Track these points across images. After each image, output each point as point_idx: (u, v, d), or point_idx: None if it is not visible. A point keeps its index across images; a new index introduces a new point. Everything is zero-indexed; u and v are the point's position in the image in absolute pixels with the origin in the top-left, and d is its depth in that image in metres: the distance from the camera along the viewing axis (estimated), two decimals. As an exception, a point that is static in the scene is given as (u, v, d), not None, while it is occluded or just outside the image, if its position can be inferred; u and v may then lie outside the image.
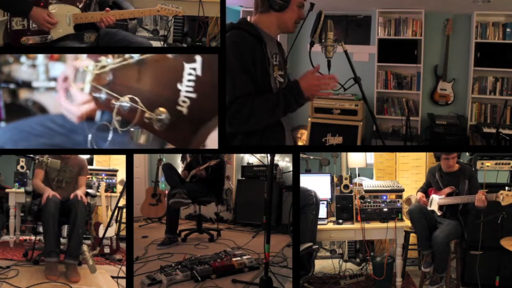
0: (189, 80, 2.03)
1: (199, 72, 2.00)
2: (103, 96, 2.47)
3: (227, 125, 2.05)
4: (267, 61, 2.11)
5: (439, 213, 3.05)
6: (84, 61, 2.50)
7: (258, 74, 2.07)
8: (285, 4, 2.12)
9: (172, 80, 2.08)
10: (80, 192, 3.23)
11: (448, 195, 3.03)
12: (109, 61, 2.36)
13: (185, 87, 2.04)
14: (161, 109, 2.13)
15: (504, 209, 2.85)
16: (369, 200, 3.31)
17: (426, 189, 3.25)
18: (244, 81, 2.03)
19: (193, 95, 2.03)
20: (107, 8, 2.74)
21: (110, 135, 2.44)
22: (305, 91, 2.09)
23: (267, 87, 2.12)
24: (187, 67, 2.03)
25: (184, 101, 2.06)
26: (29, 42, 2.71)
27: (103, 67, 2.37)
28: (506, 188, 2.74)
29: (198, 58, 2.00)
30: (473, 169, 3.24)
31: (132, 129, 2.28)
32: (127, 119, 2.31)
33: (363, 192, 3.33)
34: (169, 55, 2.08)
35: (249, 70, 2.04)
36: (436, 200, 3.08)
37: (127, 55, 2.25)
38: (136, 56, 2.24)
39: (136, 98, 2.22)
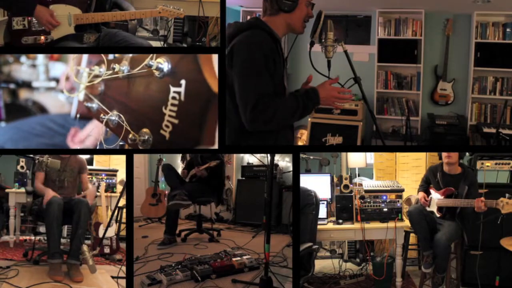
0: (172, 105, 1.98)
1: (182, 98, 1.94)
2: (95, 106, 2.48)
3: (249, 123, 2.03)
4: (282, 62, 2.13)
5: (438, 215, 3.05)
6: (81, 68, 2.52)
7: (276, 74, 2.09)
8: (294, 4, 2.13)
9: (158, 101, 2.03)
10: (89, 193, 3.27)
11: (447, 196, 3.03)
12: (102, 71, 2.37)
13: (169, 111, 1.99)
14: (145, 130, 2.10)
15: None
16: (369, 200, 3.31)
17: (426, 187, 3.24)
18: (268, 80, 2.04)
19: (175, 121, 1.97)
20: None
21: (97, 148, 2.46)
22: (322, 100, 2.11)
23: (281, 88, 2.14)
24: (172, 90, 1.98)
25: (167, 126, 2.00)
26: (29, 42, 2.71)
27: (96, 76, 2.37)
28: (507, 195, 2.71)
29: (183, 82, 1.95)
30: (473, 169, 3.23)
31: (121, 143, 2.29)
32: (115, 133, 2.31)
33: (363, 192, 3.33)
34: (156, 75, 2.03)
35: (271, 71, 2.05)
36: (435, 201, 3.08)
37: (117, 69, 2.23)
38: (126, 70, 2.23)
39: (122, 117, 2.21)
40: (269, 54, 2.05)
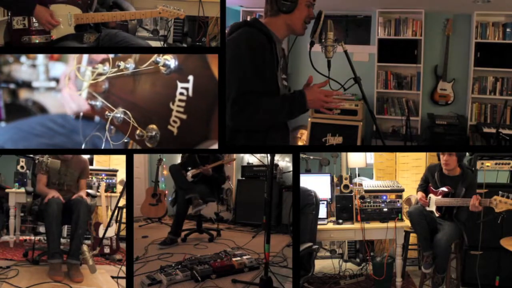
0: (180, 100, 1.97)
1: (190, 93, 1.94)
2: (98, 104, 2.48)
3: (228, 119, 2.03)
4: (276, 62, 2.13)
5: (437, 215, 3.05)
6: (83, 66, 2.52)
7: (267, 74, 2.08)
8: (293, 5, 2.13)
9: (165, 97, 2.02)
10: (82, 193, 3.24)
11: (445, 195, 3.03)
12: (106, 69, 2.36)
13: (176, 107, 1.98)
14: (153, 126, 2.09)
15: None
16: (369, 200, 3.31)
17: (425, 187, 3.24)
18: (254, 79, 2.03)
19: (183, 116, 1.96)
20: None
21: (103, 146, 2.45)
22: (309, 103, 2.10)
23: (274, 88, 2.13)
24: (179, 86, 1.98)
25: (174, 121, 2.00)
26: (29, 41, 2.71)
27: (100, 74, 2.37)
28: (500, 193, 2.70)
29: (191, 78, 1.95)
30: (473, 170, 3.22)
31: (125, 141, 2.28)
32: (121, 131, 2.30)
33: (363, 192, 3.33)
34: (163, 71, 2.03)
35: (259, 69, 2.05)
36: (433, 201, 3.08)
37: (122, 66, 2.23)
38: (131, 68, 2.22)
39: (129, 113, 2.20)
40: (258, 52, 2.04)
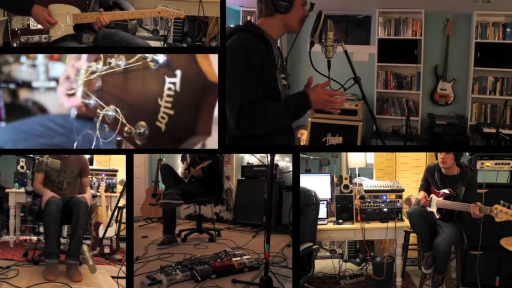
0: (168, 96, 1.94)
1: (178, 88, 1.91)
2: (92, 102, 2.47)
3: (234, 127, 2.03)
4: (273, 64, 2.12)
5: (437, 216, 3.05)
6: (79, 64, 2.51)
7: (267, 77, 2.07)
8: (290, 5, 2.12)
9: (154, 93, 2.00)
10: (87, 195, 3.24)
11: (446, 197, 3.03)
12: (99, 67, 2.35)
13: (165, 103, 1.96)
14: (142, 123, 2.08)
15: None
16: (369, 200, 3.31)
17: (427, 186, 3.23)
18: (255, 84, 2.03)
19: (171, 112, 1.94)
20: (101, 9, 2.73)
21: (93, 144, 2.44)
22: (314, 103, 2.10)
23: (275, 90, 2.12)
24: (167, 81, 1.95)
25: (162, 117, 1.98)
26: (28, 41, 2.71)
27: (93, 72, 2.36)
28: (501, 202, 2.68)
29: (178, 72, 1.92)
30: (472, 169, 3.21)
31: (118, 139, 2.26)
32: (112, 128, 2.30)
33: (363, 192, 3.33)
34: (152, 67, 2.01)
35: (259, 73, 2.04)
36: (435, 201, 3.08)
37: (113, 63, 2.22)
38: (122, 64, 2.21)
39: (118, 110, 2.19)
40: (256, 57, 2.03)
